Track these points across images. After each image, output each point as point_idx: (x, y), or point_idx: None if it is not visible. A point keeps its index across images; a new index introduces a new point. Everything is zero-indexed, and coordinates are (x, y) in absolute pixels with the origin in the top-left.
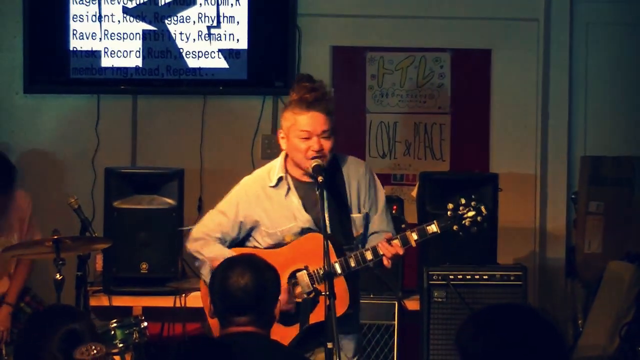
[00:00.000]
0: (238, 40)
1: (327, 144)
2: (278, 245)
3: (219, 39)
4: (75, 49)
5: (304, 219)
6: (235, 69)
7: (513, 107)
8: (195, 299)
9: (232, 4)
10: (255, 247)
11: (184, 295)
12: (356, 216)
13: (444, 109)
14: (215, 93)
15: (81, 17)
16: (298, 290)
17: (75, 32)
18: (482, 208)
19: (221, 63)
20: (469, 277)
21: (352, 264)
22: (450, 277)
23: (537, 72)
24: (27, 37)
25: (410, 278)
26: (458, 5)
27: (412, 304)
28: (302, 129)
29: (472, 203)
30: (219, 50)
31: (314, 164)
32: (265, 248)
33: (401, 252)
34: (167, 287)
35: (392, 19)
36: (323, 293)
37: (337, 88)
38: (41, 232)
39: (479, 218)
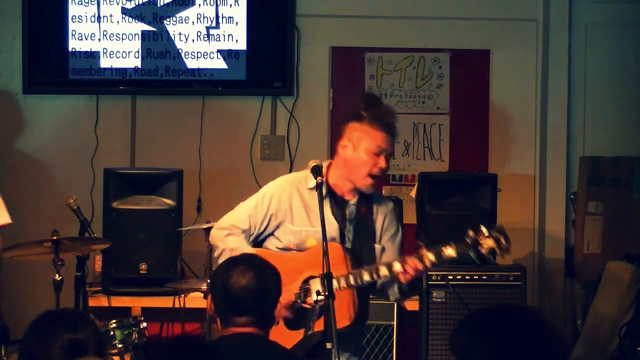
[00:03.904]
0: (237, 40)
1: (387, 167)
2: (298, 247)
3: (218, 39)
4: (74, 50)
5: (331, 228)
6: (234, 70)
7: (512, 108)
8: (195, 300)
9: (231, 5)
10: (276, 246)
11: (183, 295)
12: (377, 246)
13: (443, 110)
14: (214, 94)
15: (80, 17)
16: (310, 296)
17: (74, 32)
18: (502, 239)
19: (220, 64)
20: (467, 277)
21: (366, 278)
22: (449, 277)
23: (536, 73)
24: (26, 38)
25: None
26: (457, 5)
27: (411, 304)
28: (379, 144)
29: (494, 233)
30: (218, 51)
31: (314, 164)
32: (285, 248)
33: (421, 267)
34: (166, 287)
35: (391, 20)
36: (322, 293)
37: (336, 88)
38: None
39: (497, 250)
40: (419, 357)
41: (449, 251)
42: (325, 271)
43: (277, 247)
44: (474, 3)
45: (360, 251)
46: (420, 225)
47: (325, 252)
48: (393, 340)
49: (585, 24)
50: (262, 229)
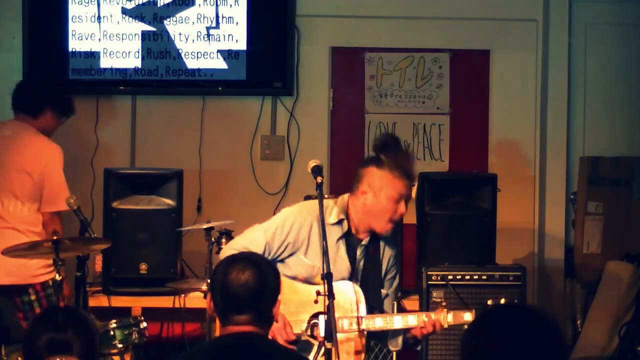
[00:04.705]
0: (237, 40)
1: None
2: (307, 280)
3: (218, 39)
4: (74, 50)
5: (342, 268)
6: (234, 70)
7: (512, 108)
8: (195, 300)
9: (231, 5)
10: (283, 273)
11: (183, 295)
12: (383, 291)
13: (443, 110)
14: (214, 94)
15: (80, 17)
16: (316, 331)
17: (74, 32)
18: None
19: (220, 64)
20: (467, 277)
21: (378, 325)
22: (449, 277)
23: (536, 73)
24: (26, 38)
25: (409, 278)
26: (457, 5)
27: (411, 305)
28: (400, 192)
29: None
30: (218, 51)
31: (314, 164)
32: (292, 277)
33: (439, 328)
34: (166, 287)
35: (390, 20)
36: (322, 294)
37: (336, 88)
38: None
39: None
40: (419, 357)
41: (468, 317)
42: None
43: (284, 274)
44: (474, 3)
45: (369, 292)
46: (420, 226)
47: (325, 252)
48: None
49: (585, 24)
50: (276, 255)
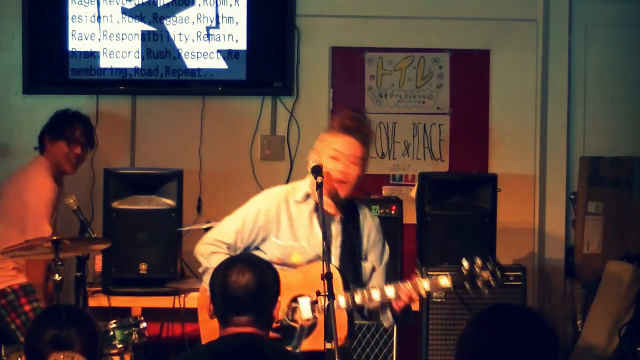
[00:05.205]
0: (237, 40)
1: (354, 171)
2: (282, 261)
3: (218, 39)
4: (74, 50)
5: (316, 242)
6: (234, 70)
7: (512, 108)
8: (195, 300)
9: (231, 5)
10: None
11: (183, 295)
12: (364, 264)
13: (443, 110)
14: (214, 94)
15: (80, 17)
16: (297, 315)
17: (74, 32)
18: (498, 272)
19: (220, 64)
20: None
21: (358, 301)
22: None
23: (536, 73)
24: (26, 38)
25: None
26: (457, 5)
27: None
28: (333, 148)
29: (489, 265)
30: (218, 51)
31: (314, 164)
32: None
33: (416, 297)
34: (166, 287)
35: (390, 20)
36: (322, 293)
37: (336, 88)
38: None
39: (492, 282)
40: (418, 357)
41: (444, 281)
42: (324, 271)
43: None
44: (474, 3)
45: (347, 269)
46: (420, 226)
47: (325, 252)
48: (393, 340)
49: (585, 24)
50: (249, 242)
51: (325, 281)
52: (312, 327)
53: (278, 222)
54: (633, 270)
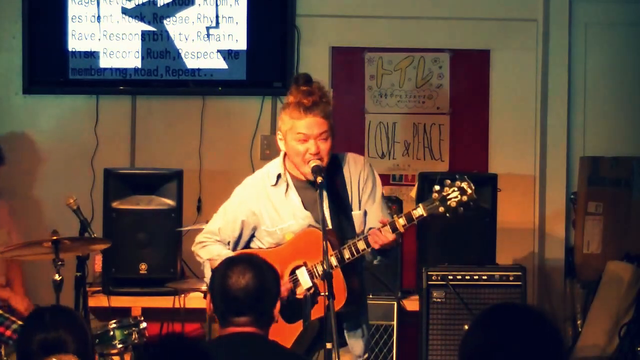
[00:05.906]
0: (237, 40)
1: (325, 146)
2: (278, 245)
3: (218, 39)
4: (74, 50)
5: (303, 216)
6: (234, 70)
7: (512, 108)
8: (195, 300)
9: (231, 5)
10: (259, 247)
11: (183, 295)
12: (357, 213)
13: (443, 110)
14: (214, 94)
15: (80, 17)
16: (299, 287)
17: (74, 32)
18: (466, 186)
19: (220, 63)
20: (467, 277)
21: (347, 255)
22: (449, 277)
23: (536, 73)
24: (26, 38)
25: (409, 278)
26: (457, 5)
27: (411, 305)
28: (299, 132)
29: (457, 183)
30: (218, 51)
31: (313, 164)
32: (267, 248)
33: (392, 238)
34: (166, 287)
35: (391, 20)
36: (322, 293)
37: (336, 88)
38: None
39: (464, 198)
40: (419, 357)
41: (419, 211)
42: (325, 270)
43: (260, 249)
44: (474, 3)
45: (340, 226)
46: (420, 226)
47: (325, 252)
48: (393, 340)
49: (585, 24)
50: (237, 235)
51: (325, 281)
52: (315, 295)
53: (260, 212)
54: (633, 270)
